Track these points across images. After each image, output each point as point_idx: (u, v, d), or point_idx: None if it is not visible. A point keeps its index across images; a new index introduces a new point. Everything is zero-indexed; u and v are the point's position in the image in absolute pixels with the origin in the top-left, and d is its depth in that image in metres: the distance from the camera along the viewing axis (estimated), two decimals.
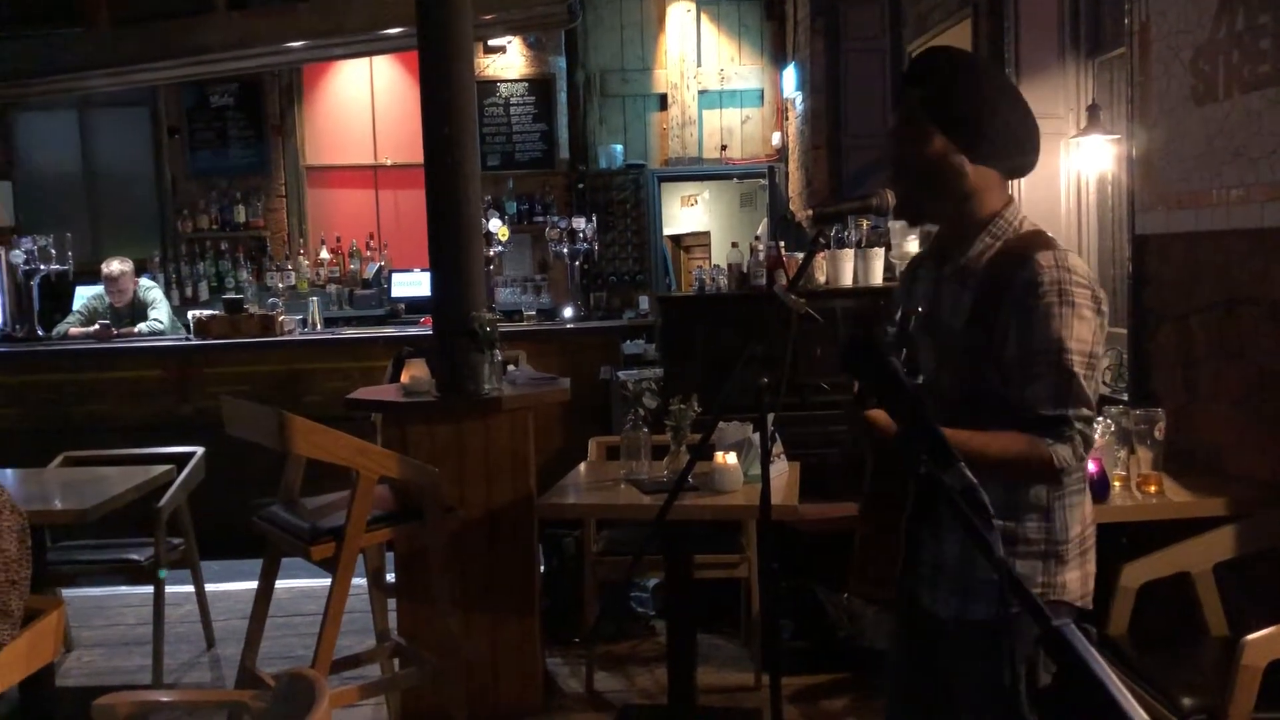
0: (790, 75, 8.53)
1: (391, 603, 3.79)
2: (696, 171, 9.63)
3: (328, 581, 3.06)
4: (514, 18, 7.82)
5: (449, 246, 3.80)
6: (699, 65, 9.41)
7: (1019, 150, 1.98)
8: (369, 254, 8.72)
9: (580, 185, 9.10)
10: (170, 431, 5.57)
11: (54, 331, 6.83)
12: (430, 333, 4.18)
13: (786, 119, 9.01)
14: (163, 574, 4.01)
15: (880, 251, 4.73)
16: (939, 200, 1.98)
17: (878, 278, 4.72)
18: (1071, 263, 1.87)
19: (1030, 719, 1.86)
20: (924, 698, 2.12)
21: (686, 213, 11.10)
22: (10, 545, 2.44)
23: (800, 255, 4.53)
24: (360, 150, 9.15)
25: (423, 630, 3.67)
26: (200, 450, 4.40)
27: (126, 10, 7.91)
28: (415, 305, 7.24)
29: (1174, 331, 3.43)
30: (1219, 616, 2.86)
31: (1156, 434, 2.95)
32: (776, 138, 9.29)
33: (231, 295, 7.39)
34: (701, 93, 9.42)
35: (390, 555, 3.78)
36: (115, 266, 6.81)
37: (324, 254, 8.64)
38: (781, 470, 3.44)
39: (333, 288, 8.10)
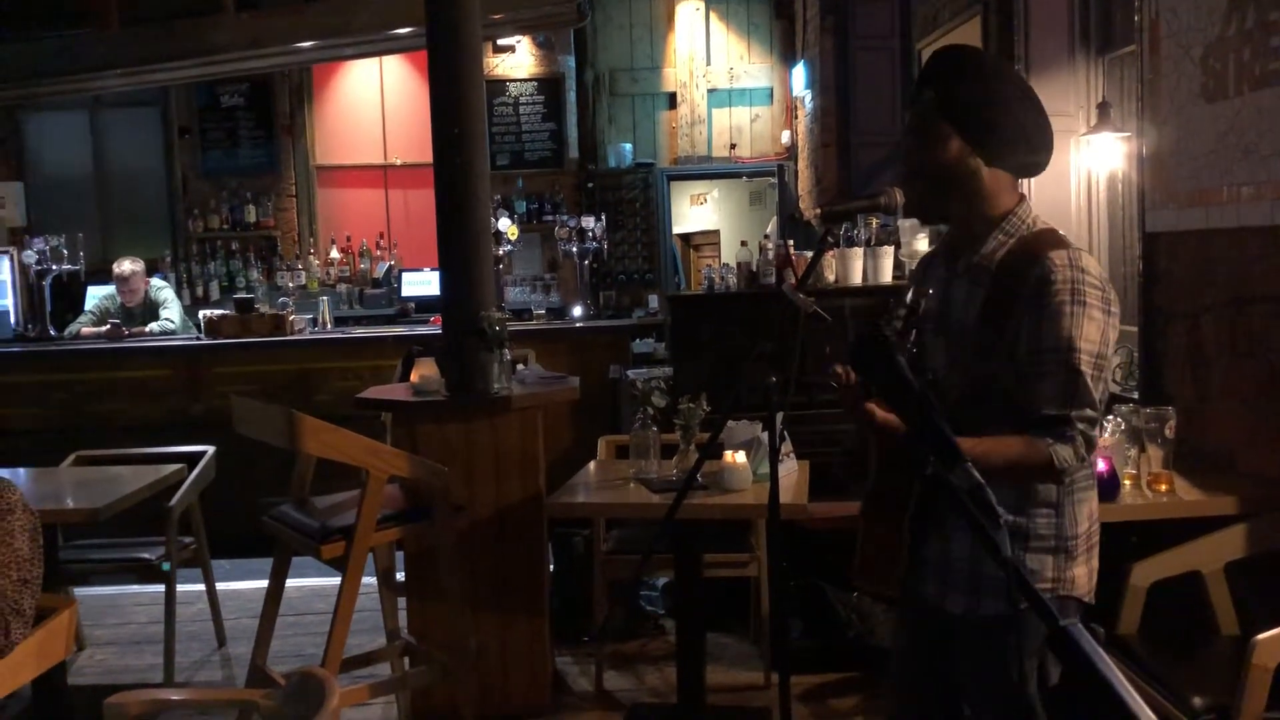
0: (799, 74, 8.53)
1: (401, 601, 3.79)
2: (706, 170, 9.62)
3: (338, 580, 3.07)
4: (523, 17, 7.83)
5: (458, 246, 3.80)
6: (708, 64, 9.40)
7: (1031, 150, 1.99)
8: (379, 253, 8.73)
9: (589, 184, 9.10)
10: (181, 431, 5.58)
11: (66, 331, 6.85)
12: (440, 332, 4.18)
13: (796, 117, 9.00)
14: (166, 567, 4.02)
15: (890, 250, 4.72)
16: (954, 200, 1.99)
17: (887, 276, 4.71)
18: (1085, 262, 1.88)
19: (1040, 716, 1.87)
20: (930, 694, 2.13)
21: (696, 211, 11.09)
22: (22, 544, 2.45)
23: (809, 254, 4.52)
24: (370, 150, 9.17)
25: (432, 629, 3.68)
26: (211, 449, 4.41)
27: (136, 11, 7.95)
28: (425, 304, 7.24)
29: (1184, 330, 3.41)
30: (1230, 616, 2.85)
31: (1167, 432, 2.94)
32: (786, 136, 9.28)
33: (242, 295, 7.40)
34: (711, 91, 9.41)
35: (400, 554, 3.79)
36: (126, 266, 6.83)
37: (334, 253, 8.66)
38: (791, 469, 3.44)
39: (343, 287, 8.12)
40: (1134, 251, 3.73)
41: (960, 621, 2.00)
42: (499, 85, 8.92)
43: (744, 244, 5.37)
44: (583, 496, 3.44)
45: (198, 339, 6.49)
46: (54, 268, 6.62)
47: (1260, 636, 2.35)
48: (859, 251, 4.74)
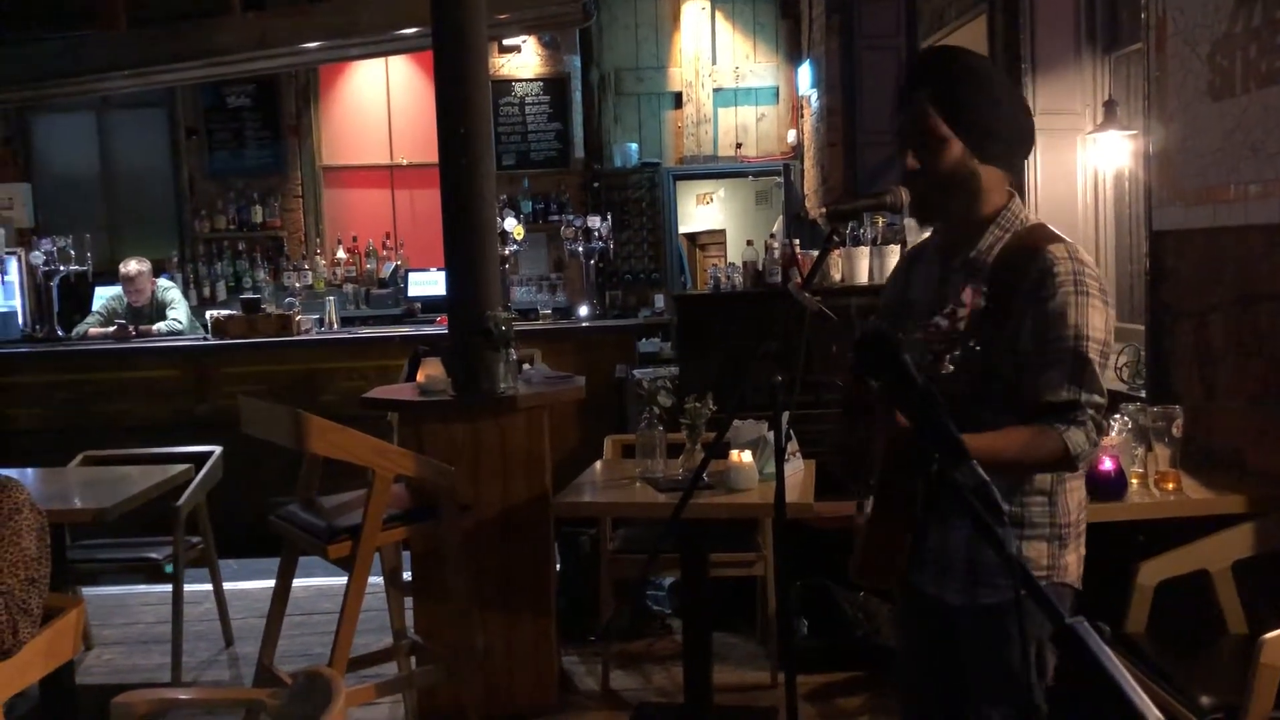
0: (805, 73, 8.52)
1: (408, 601, 3.79)
2: (711, 169, 9.62)
3: (344, 580, 3.08)
4: (528, 17, 7.83)
5: (464, 246, 3.81)
6: (714, 63, 9.39)
7: (1023, 148, 2.06)
8: (385, 253, 8.73)
9: (595, 184, 9.10)
10: (188, 431, 5.60)
11: (73, 332, 6.87)
12: (446, 332, 4.19)
13: (801, 116, 8.99)
14: (169, 569, 4.03)
15: (895, 249, 4.71)
16: (954, 201, 2.02)
17: None
18: (1081, 255, 1.94)
19: (1042, 705, 1.88)
20: (938, 687, 2.13)
21: (702, 211, 11.09)
22: (30, 544, 2.46)
23: (815, 253, 4.52)
24: (376, 150, 9.17)
25: (439, 628, 3.68)
26: (218, 449, 4.42)
27: (142, 12, 7.96)
28: (431, 304, 7.25)
29: (1191, 328, 3.40)
30: (1238, 614, 2.84)
31: (1174, 431, 2.94)
32: (792, 135, 9.28)
33: (249, 295, 7.42)
34: (716, 91, 9.40)
35: (407, 554, 3.79)
36: (133, 266, 6.85)
37: (340, 253, 8.66)
38: (797, 468, 3.44)
39: (349, 287, 8.13)
40: (1141, 249, 3.72)
41: (960, 612, 2.02)
42: (505, 85, 8.92)
43: (750, 243, 5.37)
44: (589, 496, 3.44)
45: (205, 339, 6.51)
46: (61, 268, 6.65)
47: (1268, 635, 2.34)
48: (865, 250, 4.74)
